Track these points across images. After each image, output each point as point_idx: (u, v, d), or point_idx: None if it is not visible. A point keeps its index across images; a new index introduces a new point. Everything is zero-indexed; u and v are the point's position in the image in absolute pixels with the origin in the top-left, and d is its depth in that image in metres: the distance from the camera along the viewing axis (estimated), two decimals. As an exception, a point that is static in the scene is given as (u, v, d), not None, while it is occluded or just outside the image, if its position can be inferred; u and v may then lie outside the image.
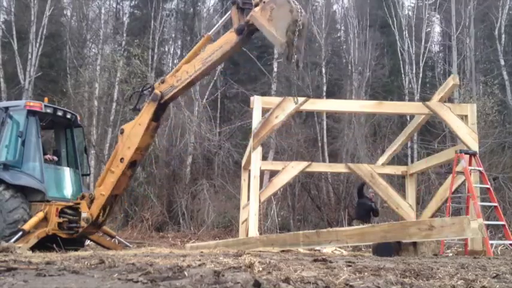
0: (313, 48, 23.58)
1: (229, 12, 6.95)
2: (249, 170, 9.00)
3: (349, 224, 14.30)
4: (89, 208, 7.55)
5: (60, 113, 8.63)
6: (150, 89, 7.29)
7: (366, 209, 11.06)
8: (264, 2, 6.28)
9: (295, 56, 6.13)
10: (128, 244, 9.64)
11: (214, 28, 7.69)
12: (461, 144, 8.40)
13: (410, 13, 25.43)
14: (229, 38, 6.73)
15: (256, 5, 6.39)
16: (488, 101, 18.21)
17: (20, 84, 20.72)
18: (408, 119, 21.35)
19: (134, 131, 7.27)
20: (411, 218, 9.18)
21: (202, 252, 5.72)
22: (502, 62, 21.48)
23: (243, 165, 10.48)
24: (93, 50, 24.21)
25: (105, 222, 8.01)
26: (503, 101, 20.28)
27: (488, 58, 22.54)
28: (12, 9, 22.50)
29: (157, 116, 7.32)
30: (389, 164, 10.63)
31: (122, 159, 7.31)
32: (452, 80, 8.30)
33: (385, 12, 23.61)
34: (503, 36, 22.35)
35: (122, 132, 7.44)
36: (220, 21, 7.62)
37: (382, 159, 10.44)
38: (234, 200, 15.94)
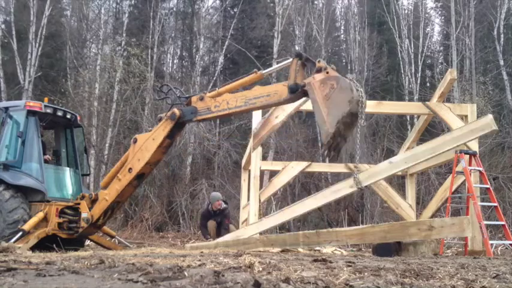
0: (313, 48, 23.59)
1: (288, 61, 6.36)
2: (249, 170, 9.00)
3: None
4: (90, 209, 7.54)
5: (60, 113, 8.62)
6: (185, 100, 6.90)
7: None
8: (328, 73, 5.68)
9: (339, 145, 5.70)
10: (128, 244, 9.64)
11: (268, 70, 7.13)
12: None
13: (409, 12, 25.48)
14: (280, 91, 6.16)
15: (319, 70, 5.78)
16: (481, 101, 18.20)
17: (19, 84, 20.72)
18: (408, 119, 21.43)
19: (147, 144, 7.04)
20: (411, 218, 9.19)
21: (202, 252, 5.73)
22: (502, 62, 21.50)
23: (243, 165, 10.48)
24: (93, 50, 24.22)
25: (105, 223, 8.01)
26: (499, 101, 20.26)
27: (486, 58, 22.55)
28: (12, 10, 22.52)
29: (172, 134, 7.10)
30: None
31: (130, 170, 7.13)
32: (450, 75, 8.32)
33: (384, 11, 23.63)
34: (502, 36, 22.37)
35: (135, 141, 7.19)
36: (277, 66, 7.06)
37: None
38: (233, 200, 15.92)
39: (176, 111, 6.80)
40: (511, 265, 3.94)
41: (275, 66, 7.27)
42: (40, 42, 20.85)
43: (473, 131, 5.60)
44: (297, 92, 5.95)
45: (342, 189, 6.30)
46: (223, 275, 2.22)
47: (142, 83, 19.57)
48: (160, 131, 6.96)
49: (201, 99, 6.72)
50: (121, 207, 8.45)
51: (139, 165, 7.05)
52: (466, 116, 8.18)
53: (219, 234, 9.85)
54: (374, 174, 6.00)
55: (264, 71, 6.80)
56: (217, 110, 6.62)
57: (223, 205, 10.41)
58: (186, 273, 2.39)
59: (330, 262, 3.71)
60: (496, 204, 7.46)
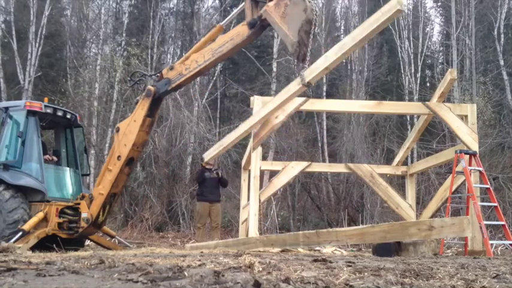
0: (313, 48, 23.58)
1: (242, 4, 6.82)
2: (249, 170, 9.00)
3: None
4: (89, 208, 7.55)
5: (60, 113, 8.63)
6: (157, 77, 7.28)
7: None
8: None
9: (307, 54, 6.04)
10: (128, 244, 9.64)
11: (226, 19, 7.53)
12: (461, 144, 8.41)
13: (408, 12, 25.48)
14: (241, 31, 6.64)
15: None
16: (481, 101, 18.21)
17: (19, 84, 20.72)
18: (408, 119, 21.44)
19: (129, 128, 7.29)
20: (411, 218, 9.18)
21: (202, 252, 5.72)
22: (502, 62, 21.49)
23: (242, 165, 10.47)
24: (93, 50, 24.23)
25: (105, 222, 8.02)
26: (499, 101, 20.26)
27: (486, 58, 22.54)
28: (12, 9, 22.52)
29: (151, 112, 7.33)
30: (389, 164, 10.62)
31: (119, 157, 7.31)
32: (450, 75, 8.32)
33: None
34: (502, 36, 22.36)
35: (118, 130, 7.45)
36: (233, 13, 7.47)
37: (397, 158, 10.50)
38: (233, 200, 15.94)
39: (150, 87, 7.15)
40: (511, 265, 3.94)
41: (231, 13, 7.62)
42: (40, 42, 20.85)
43: (384, 13, 5.97)
44: (257, 25, 6.42)
45: (292, 88, 6.90)
46: (223, 275, 2.22)
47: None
48: (140, 110, 7.20)
49: (171, 68, 7.10)
50: (118, 200, 8.53)
51: (127, 149, 7.24)
52: (466, 116, 8.18)
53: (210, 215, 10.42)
54: (314, 69, 6.56)
55: (222, 22, 7.27)
56: (188, 71, 6.93)
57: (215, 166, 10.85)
58: (186, 273, 2.39)
59: (330, 262, 3.71)
60: (496, 204, 7.45)
